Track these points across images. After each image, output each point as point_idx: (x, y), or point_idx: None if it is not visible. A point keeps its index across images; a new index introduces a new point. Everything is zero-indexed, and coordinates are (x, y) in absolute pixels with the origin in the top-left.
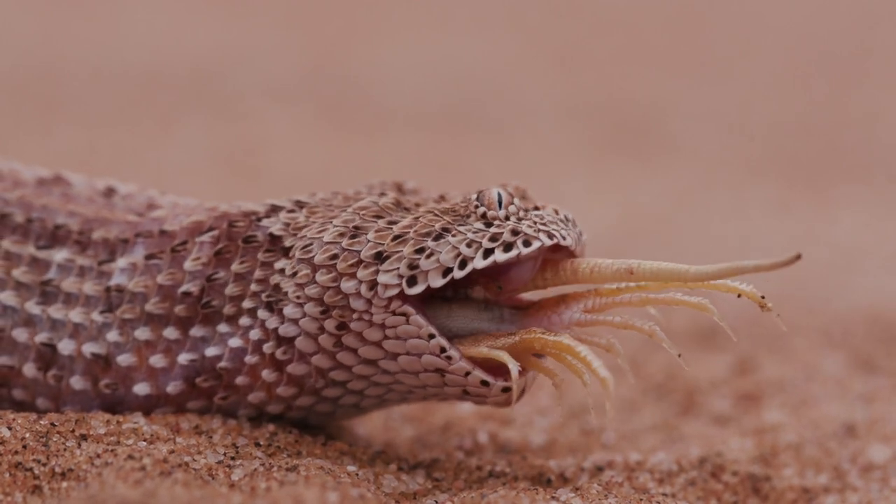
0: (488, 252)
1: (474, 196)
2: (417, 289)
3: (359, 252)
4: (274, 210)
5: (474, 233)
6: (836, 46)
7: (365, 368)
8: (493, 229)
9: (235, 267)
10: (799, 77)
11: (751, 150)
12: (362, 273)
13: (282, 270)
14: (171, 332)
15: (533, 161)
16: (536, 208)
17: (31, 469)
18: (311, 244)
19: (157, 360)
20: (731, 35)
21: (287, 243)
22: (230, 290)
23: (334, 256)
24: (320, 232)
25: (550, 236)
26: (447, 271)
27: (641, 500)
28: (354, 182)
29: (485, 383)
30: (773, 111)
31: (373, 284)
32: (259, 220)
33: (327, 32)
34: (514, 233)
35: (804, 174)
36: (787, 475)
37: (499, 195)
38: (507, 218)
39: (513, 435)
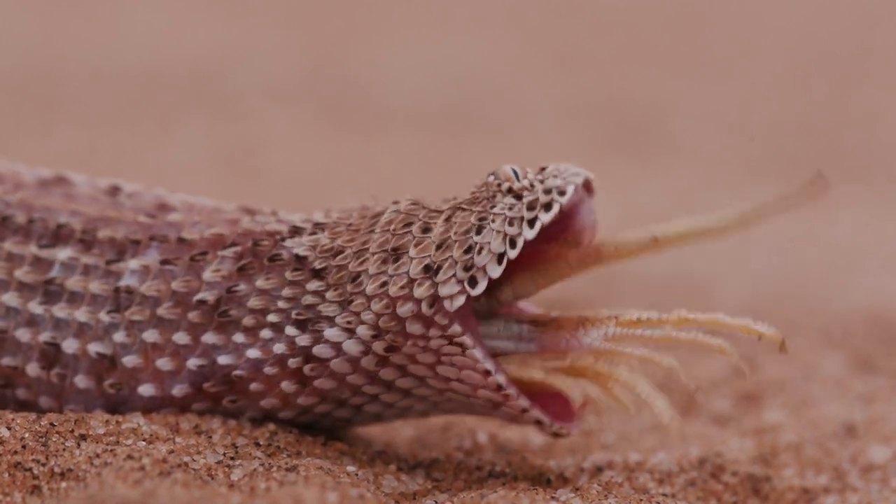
0: (532, 221)
1: (491, 177)
2: (480, 286)
3: (407, 272)
4: (295, 231)
5: (510, 209)
6: (836, 46)
7: (407, 382)
8: (525, 198)
9: (261, 283)
10: (799, 77)
11: (751, 150)
12: (419, 291)
13: (315, 292)
14: (181, 337)
15: (533, 161)
16: (544, 168)
17: (30, 469)
18: (359, 276)
19: (163, 363)
20: (731, 35)
21: (317, 265)
22: (253, 302)
23: (384, 284)
24: (362, 263)
25: (577, 174)
26: (501, 257)
27: (641, 500)
28: (354, 182)
29: (539, 422)
30: (773, 111)
31: (433, 300)
32: (283, 240)
33: (327, 32)
34: (547, 191)
35: (804, 174)
36: (787, 475)
37: (513, 170)
38: (532, 185)
39: (512, 435)
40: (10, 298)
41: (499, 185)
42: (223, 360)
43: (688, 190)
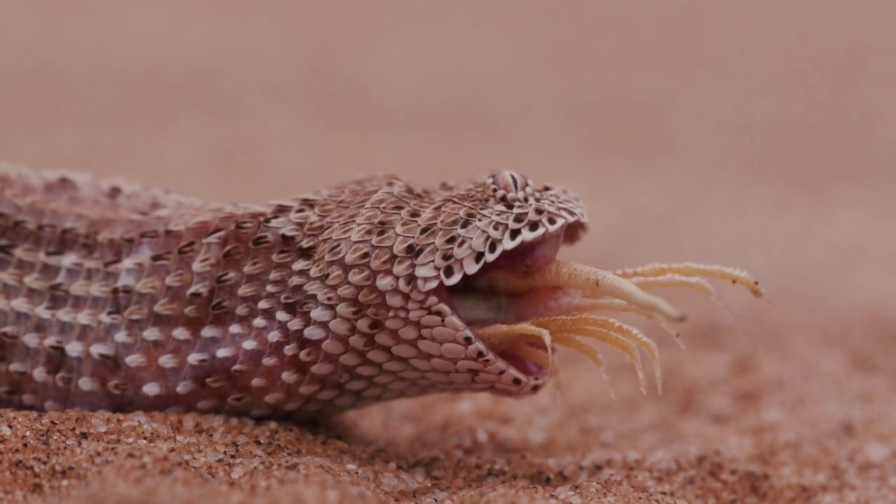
0: (515, 232)
1: (489, 180)
2: (455, 278)
3: (390, 247)
4: (281, 210)
5: (498, 215)
6: (833, 45)
7: (395, 365)
8: (516, 210)
9: (248, 268)
10: (797, 76)
11: (749, 149)
12: (398, 268)
13: (301, 272)
14: (180, 333)
15: (531, 160)
16: (547, 189)
17: (31, 467)
18: (338, 245)
19: (166, 361)
20: (729, 34)
21: (304, 244)
22: (243, 290)
23: (365, 255)
24: (346, 232)
25: (572, 213)
26: (480, 256)
27: (640, 498)
28: None
29: (517, 381)
30: (771, 110)
31: (410, 279)
32: (267, 221)
33: (326, 31)
34: (539, 211)
35: (802, 173)
36: (786, 474)
37: (512, 177)
38: (526, 199)
39: (512, 433)
40: (20, 304)
41: (494, 190)
42: (222, 353)
43: (686, 189)
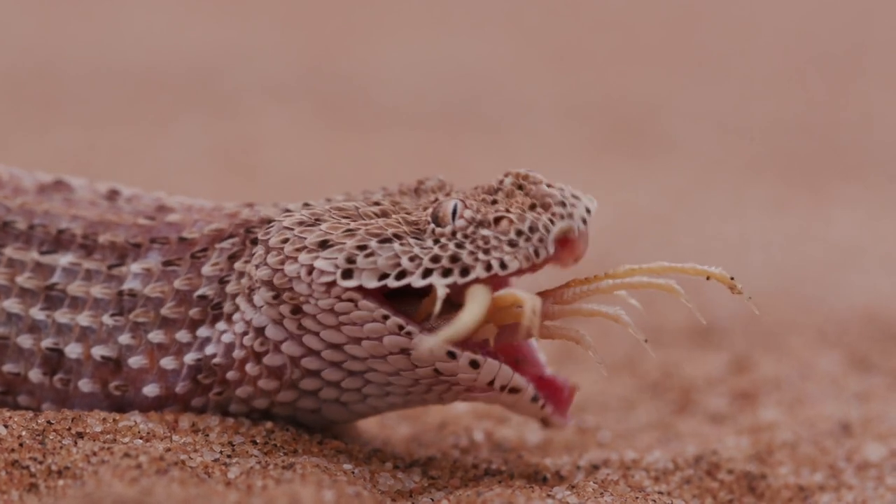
0: (427, 272)
1: (429, 210)
2: (350, 283)
3: (305, 238)
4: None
5: (422, 248)
6: (833, 45)
7: (333, 354)
8: (436, 249)
9: (238, 265)
10: (796, 76)
11: (749, 149)
12: (304, 257)
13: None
14: (183, 335)
15: (531, 160)
16: (495, 221)
17: (27, 467)
18: (271, 227)
19: (167, 362)
20: (729, 34)
21: None
22: (230, 287)
23: (285, 240)
24: (286, 220)
25: (488, 267)
26: (383, 276)
27: (637, 498)
28: (352, 181)
29: (451, 354)
30: (770, 110)
31: (310, 269)
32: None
33: (325, 31)
34: (454, 259)
35: (801, 173)
36: (783, 473)
37: (454, 207)
38: (454, 234)
39: (508, 433)
40: (12, 305)
41: (428, 222)
42: (209, 349)
43: (685, 189)
